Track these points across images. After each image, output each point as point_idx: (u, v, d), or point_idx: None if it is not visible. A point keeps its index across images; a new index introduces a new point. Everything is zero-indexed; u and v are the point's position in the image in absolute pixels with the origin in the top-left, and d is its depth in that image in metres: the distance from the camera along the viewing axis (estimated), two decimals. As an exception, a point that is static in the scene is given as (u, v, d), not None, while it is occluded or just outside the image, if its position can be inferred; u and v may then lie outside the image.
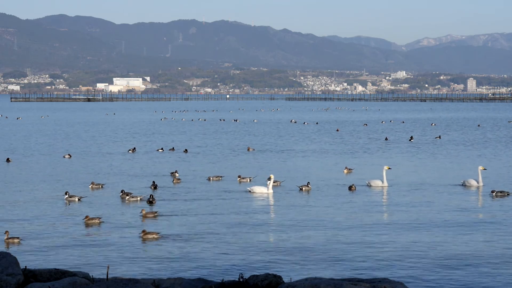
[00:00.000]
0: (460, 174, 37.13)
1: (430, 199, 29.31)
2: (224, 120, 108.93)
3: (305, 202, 28.91)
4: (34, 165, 43.61)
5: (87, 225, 23.82)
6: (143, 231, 21.74)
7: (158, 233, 21.77)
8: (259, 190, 30.89)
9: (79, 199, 28.96)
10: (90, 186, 32.84)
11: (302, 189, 31.85)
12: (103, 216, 25.16)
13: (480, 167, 33.29)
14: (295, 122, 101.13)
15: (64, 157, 48.43)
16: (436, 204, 28.17)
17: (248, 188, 31.49)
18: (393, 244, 20.81)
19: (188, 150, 52.71)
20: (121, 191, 30.25)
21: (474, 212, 26.54)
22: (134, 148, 54.34)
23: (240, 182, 34.91)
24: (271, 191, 30.75)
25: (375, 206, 27.92)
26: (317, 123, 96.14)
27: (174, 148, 54.58)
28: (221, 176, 36.24)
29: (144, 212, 25.21)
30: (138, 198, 29.06)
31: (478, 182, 32.70)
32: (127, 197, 29.01)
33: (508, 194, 30.00)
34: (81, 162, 45.38)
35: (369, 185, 32.94)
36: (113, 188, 32.59)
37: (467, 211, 26.74)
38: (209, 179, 35.65)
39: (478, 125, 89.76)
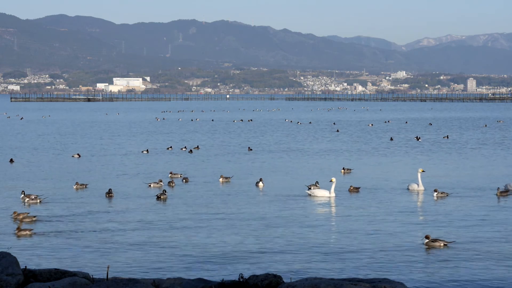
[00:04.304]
0: (492, 176, 36.85)
1: (463, 204, 28.32)
2: (242, 120, 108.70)
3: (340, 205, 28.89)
4: (37, 165, 43.59)
5: (15, 219, 24.35)
6: (18, 227, 22.55)
7: (31, 230, 22.46)
8: (320, 193, 30.07)
9: (35, 197, 29.00)
10: (74, 187, 32.90)
11: (310, 188, 31.78)
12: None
13: None
14: (301, 123, 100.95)
15: (73, 156, 48.59)
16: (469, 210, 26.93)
17: (308, 192, 30.55)
18: (395, 245, 20.82)
19: (192, 151, 52.73)
20: (108, 190, 30.45)
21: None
22: (171, 146, 56.30)
23: (222, 182, 34.89)
24: (333, 194, 29.92)
25: (385, 208, 27.90)
26: (334, 123, 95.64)
27: (199, 147, 55.94)
28: (183, 176, 36.53)
29: (15, 214, 24.78)
30: (38, 200, 28.68)
31: None
32: (27, 198, 28.73)
33: (447, 195, 29.99)
34: (89, 162, 45.34)
35: (408, 189, 32.12)
36: (98, 188, 32.59)
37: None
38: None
39: (485, 125, 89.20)
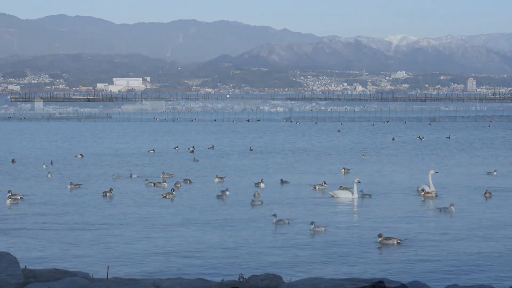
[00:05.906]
0: (492, 176, 36.80)
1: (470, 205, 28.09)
2: (249, 120, 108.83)
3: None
4: (38, 165, 43.56)
5: None
6: None
7: None
8: (343, 195, 29.89)
9: (21, 197, 29.20)
10: (68, 187, 32.99)
11: (316, 188, 31.64)
12: None
13: None
14: (298, 122, 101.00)
15: (76, 157, 48.67)
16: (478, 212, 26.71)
17: (331, 193, 30.38)
18: (393, 245, 20.82)
19: (194, 151, 52.81)
20: (109, 189, 30.60)
21: None
22: (177, 146, 57.33)
23: (217, 182, 34.92)
24: (356, 196, 29.70)
25: (388, 209, 27.88)
26: (341, 124, 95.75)
27: (214, 147, 57.13)
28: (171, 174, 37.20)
29: None
30: (18, 199, 28.93)
31: None
32: (9, 199, 28.93)
33: (436, 196, 30.04)
34: (92, 162, 45.33)
35: (418, 190, 31.71)
36: (96, 188, 32.73)
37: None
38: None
39: (488, 126, 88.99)
